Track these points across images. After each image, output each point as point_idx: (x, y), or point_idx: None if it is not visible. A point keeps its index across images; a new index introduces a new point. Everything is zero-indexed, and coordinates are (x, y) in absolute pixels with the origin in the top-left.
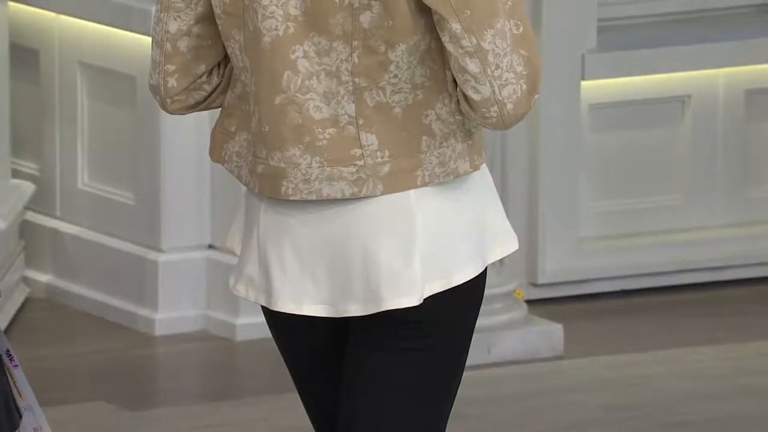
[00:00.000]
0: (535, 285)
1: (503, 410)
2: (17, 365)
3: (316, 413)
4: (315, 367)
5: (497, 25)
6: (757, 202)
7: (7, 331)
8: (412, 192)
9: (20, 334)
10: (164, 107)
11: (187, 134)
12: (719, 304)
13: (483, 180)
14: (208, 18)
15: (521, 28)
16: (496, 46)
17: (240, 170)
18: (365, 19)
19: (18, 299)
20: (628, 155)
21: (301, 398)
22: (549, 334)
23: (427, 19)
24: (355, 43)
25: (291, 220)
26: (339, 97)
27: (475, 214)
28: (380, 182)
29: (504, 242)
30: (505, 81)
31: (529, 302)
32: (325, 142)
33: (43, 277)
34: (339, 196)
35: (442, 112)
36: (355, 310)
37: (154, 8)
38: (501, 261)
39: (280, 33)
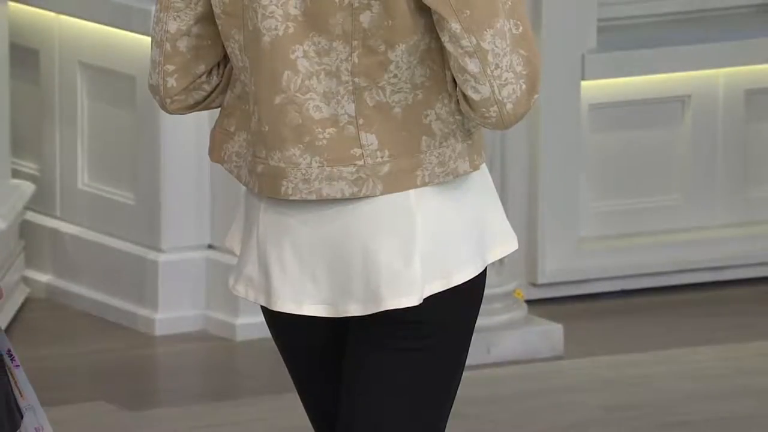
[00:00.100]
0: (535, 285)
1: (503, 410)
2: (18, 365)
3: (316, 413)
4: (314, 366)
5: (497, 25)
6: (757, 202)
7: (7, 331)
8: (412, 192)
9: (20, 334)
10: (164, 107)
11: (187, 134)
12: (719, 304)
13: (483, 180)
14: (207, 18)
15: (521, 28)
16: (496, 46)
17: (239, 170)
18: (365, 18)
19: (18, 299)
20: (628, 155)
21: (301, 398)
22: (549, 334)
23: (427, 19)
24: (355, 42)
25: (291, 219)
26: (339, 97)
27: (475, 214)
28: (380, 182)
29: (504, 242)
30: (505, 81)
31: (529, 302)
32: (324, 141)
33: (43, 277)
34: (339, 195)
35: (441, 112)
36: (354, 310)
37: (153, 8)
38: (501, 261)
39: (280, 33)
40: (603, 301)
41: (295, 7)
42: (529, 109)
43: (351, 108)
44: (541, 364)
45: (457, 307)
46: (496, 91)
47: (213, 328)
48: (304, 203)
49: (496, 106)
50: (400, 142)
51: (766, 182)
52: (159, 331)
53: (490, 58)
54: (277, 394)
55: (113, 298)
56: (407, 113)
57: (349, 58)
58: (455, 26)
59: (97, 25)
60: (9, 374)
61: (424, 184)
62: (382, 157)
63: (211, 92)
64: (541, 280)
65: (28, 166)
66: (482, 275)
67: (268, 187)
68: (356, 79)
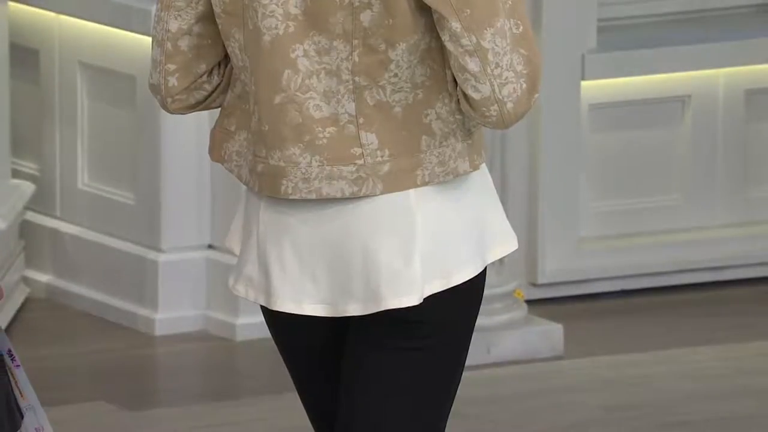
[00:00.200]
0: (535, 285)
1: (503, 410)
2: (19, 365)
3: (316, 413)
4: (314, 366)
5: (497, 24)
6: (757, 202)
7: (7, 331)
8: (411, 191)
9: (20, 334)
10: (165, 107)
11: (187, 134)
12: (719, 304)
13: (482, 180)
14: (208, 17)
15: (521, 27)
16: (496, 45)
17: (240, 169)
18: (365, 17)
19: (18, 299)
20: (628, 155)
21: (301, 398)
22: (549, 334)
23: (428, 18)
24: (356, 41)
25: (291, 219)
26: (339, 96)
27: (475, 213)
28: (380, 181)
29: (503, 242)
30: (505, 80)
31: (529, 302)
32: (324, 141)
33: (43, 277)
34: (339, 195)
35: (442, 112)
36: (354, 309)
37: (154, 8)
38: (501, 261)
39: (280, 32)
40: (603, 301)
41: (296, 6)
42: (530, 109)
43: (351, 107)
44: (541, 364)
45: (457, 307)
46: (497, 90)
47: (213, 328)
48: (304, 202)
49: (496, 105)
50: (400, 142)
51: (766, 182)
52: (159, 331)
53: (490, 57)
54: (277, 394)
55: (113, 298)
56: (407, 112)
57: (350, 57)
58: (455, 25)
59: (97, 25)
60: (9, 374)
61: (424, 184)
62: (382, 157)
63: (212, 92)
64: (541, 280)
65: (28, 166)
66: (482, 275)
67: (268, 187)
68: (356, 78)
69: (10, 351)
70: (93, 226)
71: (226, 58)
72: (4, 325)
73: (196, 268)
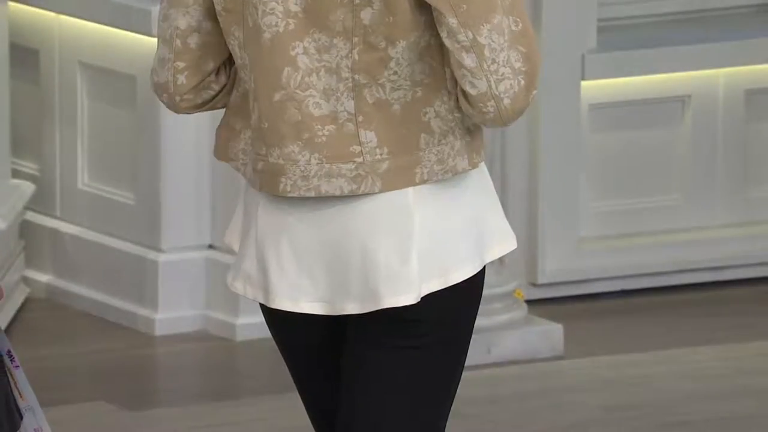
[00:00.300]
0: (535, 285)
1: (503, 410)
2: (18, 366)
3: (316, 411)
4: (313, 365)
5: (494, 20)
6: (757, 202)
7: (7, 331)
8: (410, 190)
9: (20, 334)
10: (172, 105)
11: (187, 134)
12: (719, 304)
13: (481, 179)
14: (214, 13)
15: (520, 25)
16: (493, 41)
17: (245, 168)
18: (366, 15)
19: (18, 299)
20: (628, 155)
21: (301, 396)
22: (549, 334)
23: (428, 15)
24: (356, 39)
25: (289, 217)
26: (338, 94)
27: (474, 213)
28: (379, 179)
29: (502, 241)
30: (502, 76)
31: (529, 302)
32: (324, 138)
33: (43, 277)
34: (338, 193)
35: (440, 110)
36: (352, 308)
37: (154, 8)
38: (501, 261)
39: (280, 29)
40: (603, 301)
41: (296, 4)
42: (528, 106)
43: (350, 105)
44: (541, 364)
45: (455, 306)
46: (493, 86)
47: (213, 328)
48: (303, 201)
49: (493, 101)
50: (399, 140)
51: (766, 182)
52: (159, 331)
53: (486, 52)
54: (277, 394)
55: (113, 298)
56: (406, 110)
57: (350, 55)
58: (452, 21)
59: (97, 25)
60: (9, 375)
61: (423, 182)
62: (381, 155)
63: (219, 91)
64: (541, 280)
65: (28, 166)
66: (481, 274)
67: (267, 184)
68: (356, 76)
69: (9, 352)
70: (93, 226)
71: (232, 57)
72: (4, 325)
73: (196, 268)
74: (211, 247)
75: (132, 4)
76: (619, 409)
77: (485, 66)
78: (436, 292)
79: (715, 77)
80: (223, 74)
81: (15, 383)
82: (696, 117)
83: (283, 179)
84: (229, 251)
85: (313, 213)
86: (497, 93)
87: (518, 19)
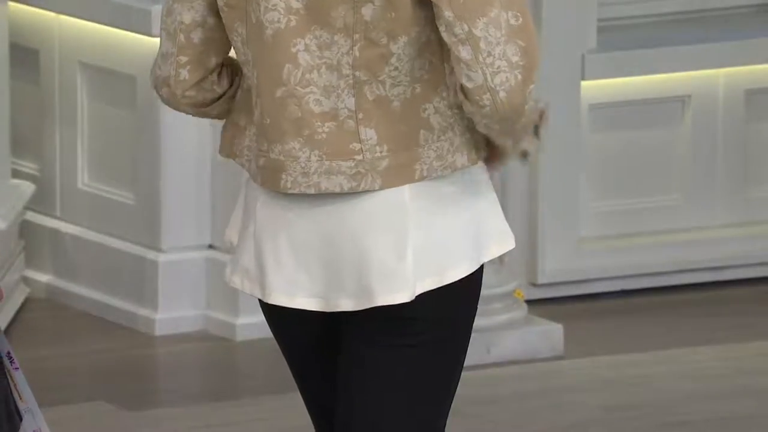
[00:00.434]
0: (535, 285)
1: (503, 410)
2: (18, 368)
3: (315, 408)
4: (311, 361)
5: (491, 14)
6: (757, 202)
7: (7, 331)
8: (406, 188)
9: (20, 334)
10: (172, 100)
11: (187, 134)
12: (719, 304)
13: (480, 178)
14: (218, 9)
15: (521, 19)
16: (489, 34)
17: (250, 164)
18: (367, 11)
19: (18, 299)
20: (628, 155)
21: (300, 393)
22: (549, 334)
23: (428, 11)
24: (357, 36)
25: (288, 213)
26: (339, 91)
27: (472, 212)
28: (379, 177)
29: (500, 241)
30: (497, 69)
31: (529, 302)
32: (324, 135)
33: (43, 277)
34: (337, 190)
35: (440, 106)
36: (346, 305)
37: (154, 8)
38: (501, 261)
39: (282, 26)
40: (603, 301)
41: (298, 0)
42: (525, 100)
43: (351, 102)
44: (541, 364)
45: (452, 305)
46: (489, 79)
47: (213, 328)
48: (302, 197)
49: (488, 93)
50: (398, 137)
51: (766, 182)
52: (159, 331)
53: (482, 45)
54: (277, 394)
55: (113, 298)
56: (406, 107)
57: (351, 52)
58: (448, 14)
59: (97, 25)
60: (8, 377)
61: (422, 178)
62: (380, 152)
63: (220, 96)
64: (541, 280)
65: (28, 166)
66: (478, 273)
67: (269, 180)
68: (357, 73)
69: (9, 353)
70: (93, 226)
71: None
72: (3, 326)
73: (196, 268)
74: (211, 247)
75: (132, 4)
76: (619, 409)
77: (480, 58)
78: (431, 290)
79: (715, 77)
80: (225, 78)
81: (15, 385)
82: (696, 117)
83: (284, 175)
84: (230, 248)
85: (311, 209)
86: (492, 86)
87: (518, 14)
